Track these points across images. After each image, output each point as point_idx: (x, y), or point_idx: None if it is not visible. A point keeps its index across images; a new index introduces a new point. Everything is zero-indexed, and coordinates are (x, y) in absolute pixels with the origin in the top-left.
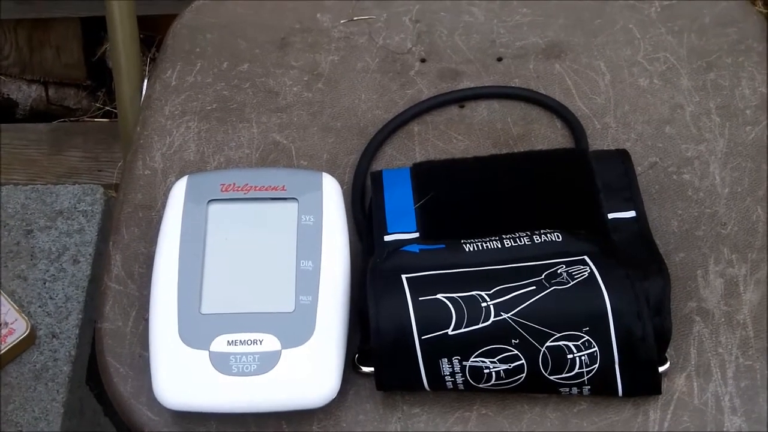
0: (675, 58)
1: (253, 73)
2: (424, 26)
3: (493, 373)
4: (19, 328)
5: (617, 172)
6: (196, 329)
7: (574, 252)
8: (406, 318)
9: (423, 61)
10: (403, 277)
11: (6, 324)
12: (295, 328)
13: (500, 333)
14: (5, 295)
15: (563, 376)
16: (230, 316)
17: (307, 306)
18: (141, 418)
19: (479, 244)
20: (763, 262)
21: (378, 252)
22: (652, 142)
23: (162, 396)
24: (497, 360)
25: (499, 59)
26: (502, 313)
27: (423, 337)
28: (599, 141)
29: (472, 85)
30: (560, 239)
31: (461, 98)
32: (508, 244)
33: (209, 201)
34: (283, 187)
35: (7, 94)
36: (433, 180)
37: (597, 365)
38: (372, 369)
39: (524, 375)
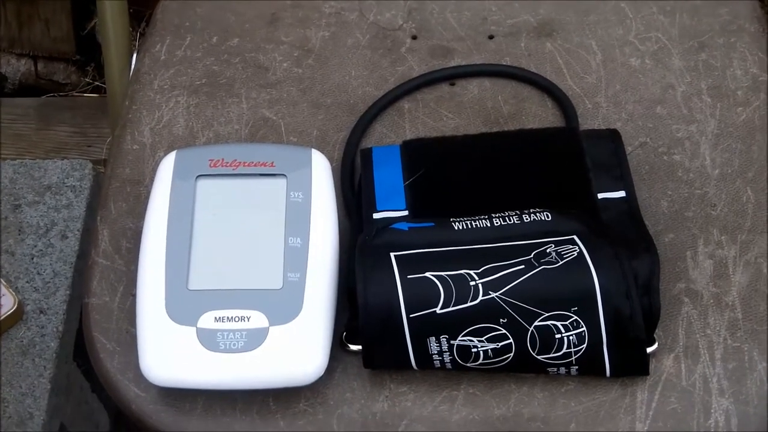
0: (666, 38)
1: (243, 48)
2: (415, 3)
3: (481, 353)
4: (6, 303)
5: (607, 152)
6: (183, 305)
7: (564, 231)
8: (395, 296)
9: (414, 38)
10: (392, 254)
11: None
12: (282, 305)
13: (489, 312)
14: None
15: (551, 355)
16: (218, 293)
17: (295, 283)
18: (128, 394)
19: (468, 222)
20: (753, 244)
21: (367, 229)
22: (643, 122)
23: (149, 372)
24: (485, 339)
25: (491, 37)
26: (490, 292)
27: (411, 316)
28: (590, 120)
29: (463, 63)
30: (549, 218)
31: (452, 76)
32: (497, 222)
33: (197, 176)
34: (272, 163)
35: None
36: (423, 158)
37: (585, 345)
38: (360, 347)
39: (512, 354)
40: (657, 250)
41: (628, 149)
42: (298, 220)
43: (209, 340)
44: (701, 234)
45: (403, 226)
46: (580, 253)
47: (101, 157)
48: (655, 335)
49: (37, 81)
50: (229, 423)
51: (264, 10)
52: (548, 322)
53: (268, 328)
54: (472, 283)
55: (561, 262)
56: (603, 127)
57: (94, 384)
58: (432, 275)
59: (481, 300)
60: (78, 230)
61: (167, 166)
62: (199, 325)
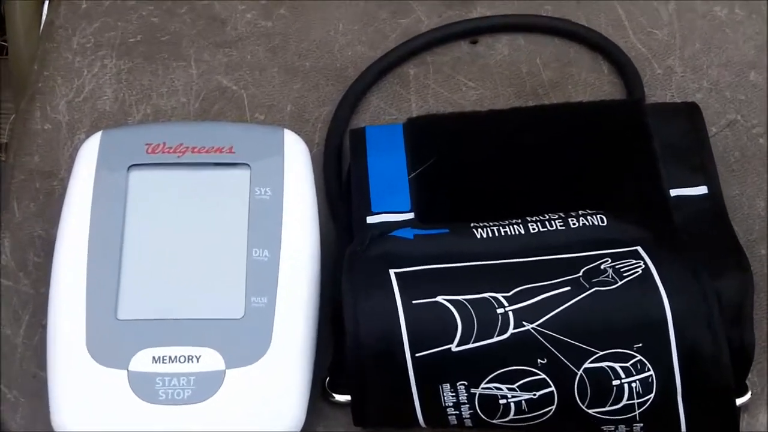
0: None
1: None
2: None
3: (512, 405)
4: None
5: (683, 133)
6: (110, 341)
7: (623, 241)
8: (395, 328)
9: None
10: (392, 272)
11: None
12: (244, 340)
13: (522, 350)
14: None
15: (607, 409)
16: (157, 324)
17: (260, 311)
18: None
19: (495, 228)
20: None
21: (358, 238)
22: (732, 93)
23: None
24: (518, 387)
25: None
26: (525, 323)
27: (417, 355)
28: (659, 90)
29: (489, 14)
30: (604, 223)
31: (474, 31)
32: (534, 228)
33: (130, 166)
34: (231, 148)
35: None
36: (435, 141)
37: (653, 395)
38: (348, 397)
39: (554, 407)
40: (750, 265)
41: (712, 130)
42: (265, 225)
43: (145, 387)
44: None
45: (408, 233)
46: (646, 269)
47: (2, 140)
48: (747, 381)
49: None
50: None
51: None
52: (603, 364)
53: (225, 371)
54: (500, 310)
55: (620, 283)
56: (677, 100)
57: None
58: (446, 300)
59: (512, 334)
60: None
61: (90, 152)
62: (131, 368)
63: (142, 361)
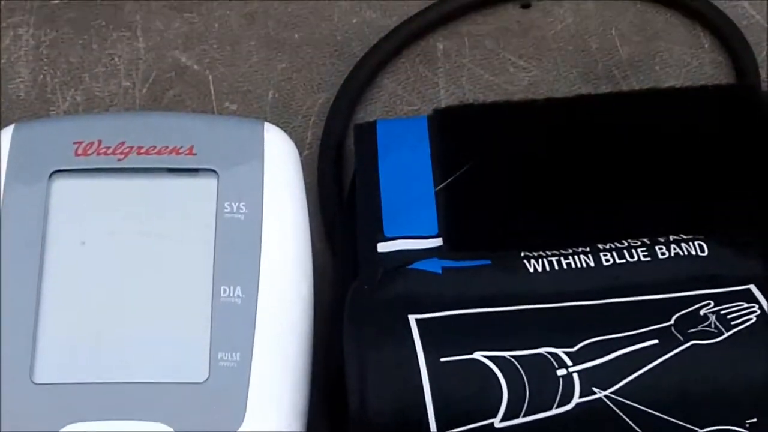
0: None
1: None
2: None
3: None
4: None
5: None
6: (24, 413)
7: (731, 277)
8: (417, 397)
9: None
10: (412, 318)
11: None
12: (208, 412)
13: (592, 427)
14: None
15: None
16: (88, 390)
17: (231, 372)
18: None
19: (555, 259)
20: None
21: (366, 272)
22: None
23: None
24: None
25: None
26: (595, 390)
27: None
28: None
29: None
30: (705, 252)
31: None
32: (607, 260)
33: (53, 173)
34: (191, 148)
35: None
36: (471, 140)
37: None
38: None
39: None
40: None
41: None
42: (237, 254)
43: None
44: None
45: (434, 265)
46: (762, 316)
47: None
48: None
49: None
50: None
51: None
52: None
53: None
54: (562, 372)
55: (727, 334)
56: None
57: None
58: (486, 357)
59: (577, 404)
60: None
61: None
62: None
63: None
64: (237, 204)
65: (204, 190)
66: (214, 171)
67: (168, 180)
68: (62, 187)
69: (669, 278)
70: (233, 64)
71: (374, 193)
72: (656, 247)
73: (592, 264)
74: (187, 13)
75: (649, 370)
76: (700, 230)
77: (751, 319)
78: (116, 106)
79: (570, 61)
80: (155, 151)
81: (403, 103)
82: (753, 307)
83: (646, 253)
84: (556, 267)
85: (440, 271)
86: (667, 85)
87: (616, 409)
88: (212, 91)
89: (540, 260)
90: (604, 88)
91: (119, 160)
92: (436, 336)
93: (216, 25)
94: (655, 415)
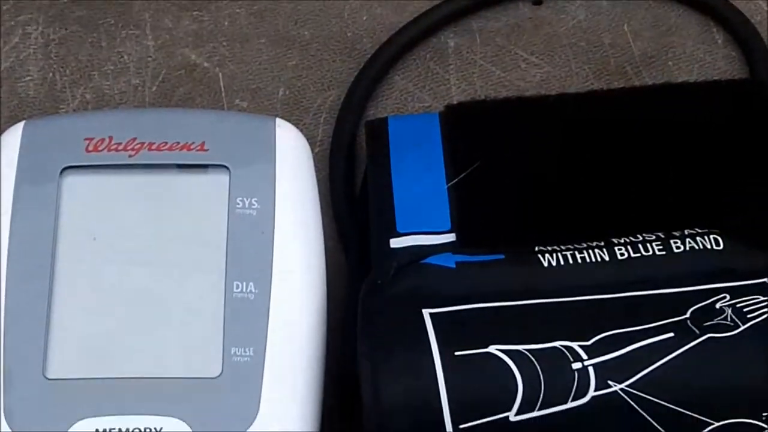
0: None
1: None
2: None
3: None
4: None
5: None
6: (37, 408)
7: (747, 270)
8: (432, 391)
9: None
10: (427, 313)
11: None
12: (222, 407)
13: (608, 420)
14: None
15: None
16: (101, 385)
17: (244, 367)
18: None
19: (569, 253)
20: None
21: (379, 267)
22: None
23: None
24: None
25: None
26: (611, 383)
27: (462, 427)
28: None
29: None
30: (720, 246)
31: None
32: (622, 254)
33: (64, 169)
34: (203, 144)
35: None
36: (483, 136)
37: None
38: None
39: None
40: None
41: None
42: (250, 250)
43: None
44: None
45: (448, 260)
46: None
47: None
48: None
49: None
50: None
51: None
52: None
53: None
54: (577, 365)
55: (743, 328)
56: None
57: None
58: (501, 351)
59: (593, 397)
60: None
61: (8, 151)
62: None
63: None
64: (249, 200)
65: (216, 186)
66: (225, 167)
67: (179, 176)
68: (73, 183)
69: (684, 272)
70: (243, 62)
71: (387, 188)
72: (671, 241)
73: (606, 258)
74: (197, 11)
75: (664, 363)
76: (714, 224)
77: (766, 312)
78: (126, 104)
79: (582, 58)
80: (167, 147)
81: (415, 100)
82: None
83: (661, 247)
84: (571, 261)
85: (454, 266)
86: (680, 80)
87: (632, 402)
88: (222, 89)
89: (554, 254)
90: (617, 84)
91: (130, 156)
92: (450, 330)
93: (225, 22)
94: (671, 408)
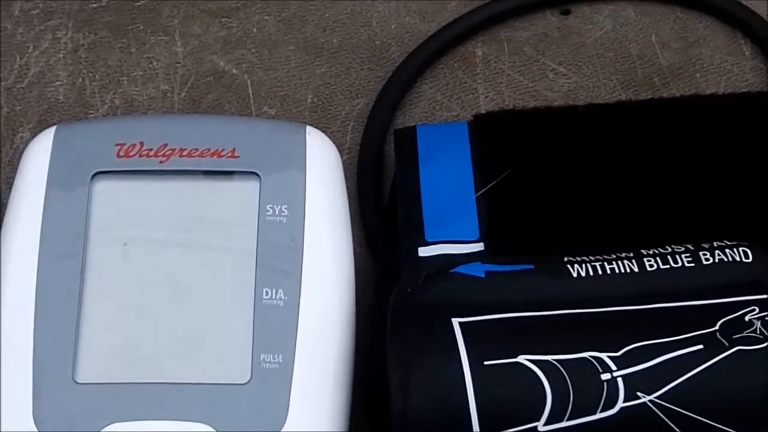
0: None
1: None
2: None
3: None
4: None
5: None
6: (66, 412)
7: None
8: (460, 400)
9: None
10: (456, 322)
11: None
12: (250, 414)
13: (636, 430)
14: None
15: None
16: (129, 391)
17: (273, 374)
18: None
19: (598, 264)
20: None
21: (408, 276)
22: None
23: None
24: None
25: None
26: (640, 395)
27: None
28: None
29: None
30: (749, 258)
31: None
32: (651, 265)
33: (95, 175)
34: (233, 151)
35: None
36: (512, 146)
37: None
38: None
39: None
40: None
41: None
42: (280, 258)
43: None
44: None
45: (477, 269)
46: None
47: None
48: None
49: None
50: None
51: None
52: None
53: None
54: (606, 376)
55: None
56: None
57: None
58: (530, 361)
59: (622, 408)
60: None
61: (38, 156)
62: None
63: None
64: (279, 207)
65: (246, 192)
66: (256, 174)
67: (210, 182)
68: (104, 188)
69: (713, 284)
70: (271, 69)
71: (415, 197)
72: (700, 253)
73: (636, 269)
74: (225, 18)
75: (694, 375)
76: (743, 236)
77: None
78: (154, 109)
79: (610, 68)
80: (197, 153)
81: (443, 109)
82: None
83: (690, 259)
84: (600, 272)
85: (483, 275)
86: (707, 92)
87: (661, 414)
88: (251, 96)
89: (583, 265)
90: (644, 95)
91: (161, 162)
92: (479, 339)
93: (254, 29)
94: (700, 420)
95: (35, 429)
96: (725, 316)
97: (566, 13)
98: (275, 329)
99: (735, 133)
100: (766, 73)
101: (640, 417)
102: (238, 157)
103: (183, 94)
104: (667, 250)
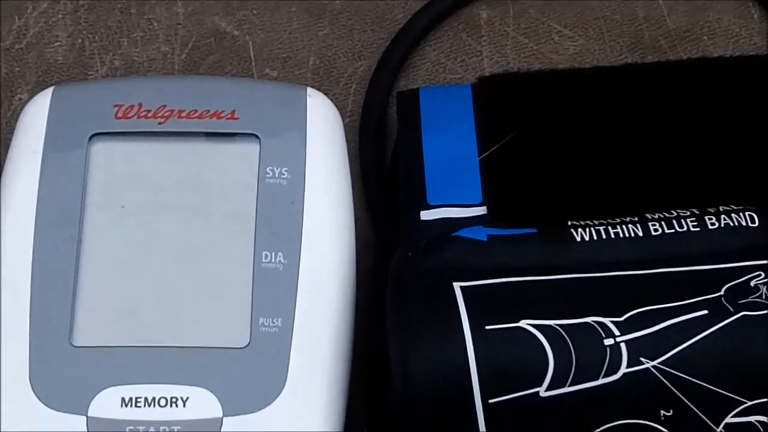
0: None
1: None
2: None
3: None
4: None
5: None
6: (63, 376)
7: None
8: (461, 365)
9: None
10: (457, 286)
11: None
12: (249, 377)
13: (639, 397)
14: None
15: None
16: (127, 354)
17: (272, 338)
18: None
19: (602, 228)
20: None
21: (409, 240)
22: None
23: None
24: None
25: None
26: (643, 360)
27: (492, 402)
28: None
29: None
30: (755, 223)
31: None
32: (656, 229)
33: (93, 136)
34: (233, 113)
35: None
36: (516, 109)
37: None
38: None
39: None
40: None
41: None
42: (279, 220)
43: None
44: None
45: (479, 233)
46: None
47: None
48: None
49: None
50: None
51: None
52: (751, 418)
53: (222, 419)
54: (609, 341)
55: None
56: None
57: None
58: (532, 326)
59: (625, 374)
60: None
61: (36, 117)
62: (92, 413)
63: (107, 405)
64: (279, 169)
65: (246, 154)
66: (256, 136)
67: (209, 144)
68: (102, 150)
69: (719, 249)
70: (273, 31)
71: (418, 160)
72: (706, 218)
73: (640, 234)
74: None
75: (698, 340)
76: (750, 201)
77: None
78: (155, 71)
79: (616, 31)
80: (196, 115)
81: (446, 71)
82: None
83: (695, 224)
84: (604, 236)
85: (486, 239)
86: (715, 55)
87: (664, 380)
88: (252, 58)
89: (587, 229)
90: (651, 59)
91: (160, 123)
92: (481, 304)
93: None
94: (703, 386)
95: (32, 392)
96: (730, 282)
97: None
98: (274, 293)
99: (742, 96)
100: None
101: (643, 382)
102: (237, 119)
103: (183, 55)
104: (672, 214)
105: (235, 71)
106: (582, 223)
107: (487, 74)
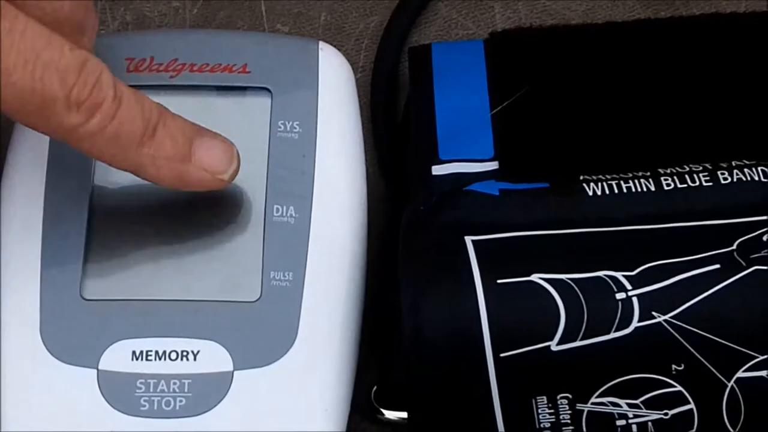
0: None
1: None
2: None
3: (635, 427)
4: None
5: None
6: (73, 329)
7: None
8: (473, 318)
9: None
10: (469, 240)
11: None
12: (260, 331)
13: (651, 351)
14: None
15: None
16: (138, 307)
17: (283, 291)
18: None
19: (614, 183)
20: None
21: (421, 194)
22: None
23: None
24: (642, 402)
25: None
26: (655, 314)
27: (503, 355)
28: None
29: None
30: (767, 179)
31: None
32: (668, 184)
33: None
34: (245, 67)
35: None
36: (528, 64)
37: None
38: (403, 415)
39: (693, 431)
40: None
41: None
42: (291, 173)
43: (121, 393)
44: None
45: (491, 187)
46: None
47: None
48: None
49: None
50: None
51: None
52: (764, 372)
53: (233, 373)
54: (621, 295)
55: None
56: None
57: None
58: (544, 280)
59: (636, 328)
60: None
61: None
62: (102, 366)
63: (118, 358)
64: (291, 123)
65: (257, 108)
66: (267, 89)
67: (221, 98)
68: None
69: (731, 203)
70: None
71: (429, 115)
72: (718, 172)
73: (652, 188)
74: None
75: (710, 295)
76: (763, 156)
77: None
78: (166, 26)
79: None
80: (208, 68)
81: (458, 27)
82: None
83: (708, 178)
84: (616, 190)
85: (497, 193)
86: (728, 11)
87: (676, 334)
88: (263, 13)
89: (599, 183)
90: (664, 14)
91: (171, 77)
92: (492, 257)
93: None
94: (715, 341)
95: (42, 345)
96: (743, 236)
97: None
98: (286, 247)
99: (755, 51)
100: None
101: (655, 337)
102: (249, 72)
103: (195, 10)
104: (684, 169)
105: (246, 26)
106: (594, 177)
107: (499, 29)
